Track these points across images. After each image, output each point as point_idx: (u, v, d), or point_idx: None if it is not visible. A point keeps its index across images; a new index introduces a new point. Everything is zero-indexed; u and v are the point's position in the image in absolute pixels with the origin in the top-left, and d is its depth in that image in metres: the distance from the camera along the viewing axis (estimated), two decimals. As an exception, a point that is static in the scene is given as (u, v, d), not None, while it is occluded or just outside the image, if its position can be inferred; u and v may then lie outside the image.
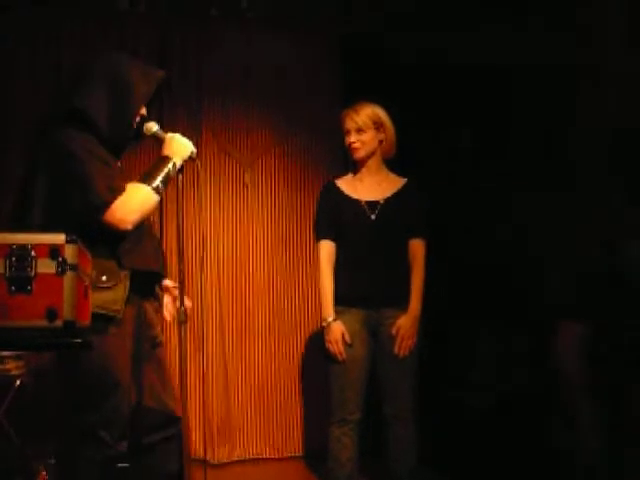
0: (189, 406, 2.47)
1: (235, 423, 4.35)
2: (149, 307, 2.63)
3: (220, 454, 4.28)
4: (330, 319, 3.17)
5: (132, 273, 2.47)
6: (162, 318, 2.76)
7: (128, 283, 2.46)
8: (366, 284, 3.16)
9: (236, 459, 4.32)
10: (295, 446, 4.39)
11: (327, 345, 3.17)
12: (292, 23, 4.54)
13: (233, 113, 4.48)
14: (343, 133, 3.30)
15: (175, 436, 2.51)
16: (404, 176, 3.33)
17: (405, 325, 3.14)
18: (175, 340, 2.88)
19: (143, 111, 2.63)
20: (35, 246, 1.93)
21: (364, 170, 3.30)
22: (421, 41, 4.17)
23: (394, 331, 3.14)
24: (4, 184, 4.07)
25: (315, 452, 4.18)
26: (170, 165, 2.54)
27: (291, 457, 4.37)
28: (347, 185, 3.31)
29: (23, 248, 1.92)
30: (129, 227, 2.43)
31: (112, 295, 2.42)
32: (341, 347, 3.13)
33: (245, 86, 4.48)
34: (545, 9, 3.57)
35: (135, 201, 2.44)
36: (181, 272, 2.54)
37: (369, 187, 3.28)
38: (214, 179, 4.42)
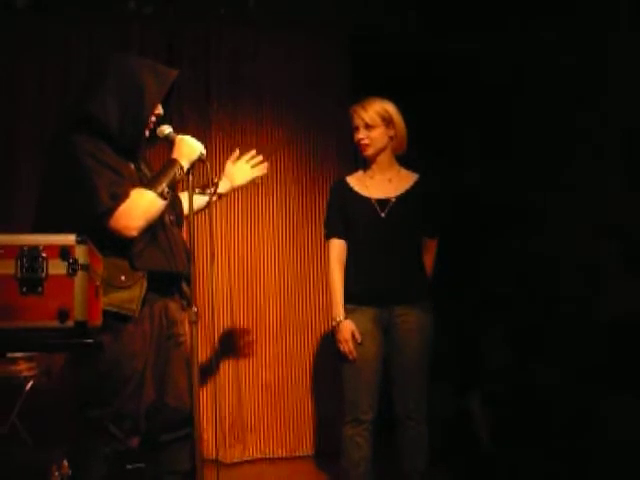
0: (201, 406, 2.47)
1: (247, 423, 4.35)
2: (172, 305, 2.64)
3: (232, 454, 4.28)
4: (340, 318, 3.14)
5: (150, 272, 2.48)
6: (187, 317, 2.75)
7: (145, 282, 2.47)
8: (377, 282, 3.15)
9: (248, 458, 4.32)
10: (307, 445, 4.39)
11: (338, 345, 3.16)
12: (301, 22, 4.53)
13: (242, 112, 4.47)
14: (352, 129, 3.28)
15: (189, 436, 2.51)
16: (415, 171, 3.31)
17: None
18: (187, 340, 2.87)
19: (159, 111, 2.63)
20: (46, 247, 1.93)
21: (374, 167, 3.27)
22: (430, 41, 4.17)
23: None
24: (12, 184, 4.09)
25: (327, 451, 4.17)
26: (177, 168, 2.55)
27: (303, 456, 4.36)
28: (357, 182, 3.28)
29: (34, 249, 1.92)
30: (134, 233, 2.44)
31: (129, 294, 2.43)
32: (351, 346, 3.10)
33: (254, 85, 4.48)
34: (544, 10, 3.57)
35: (139, 207, 2.45)
36: (192, 272, 2.54)
37: (380, 184, 3.25)
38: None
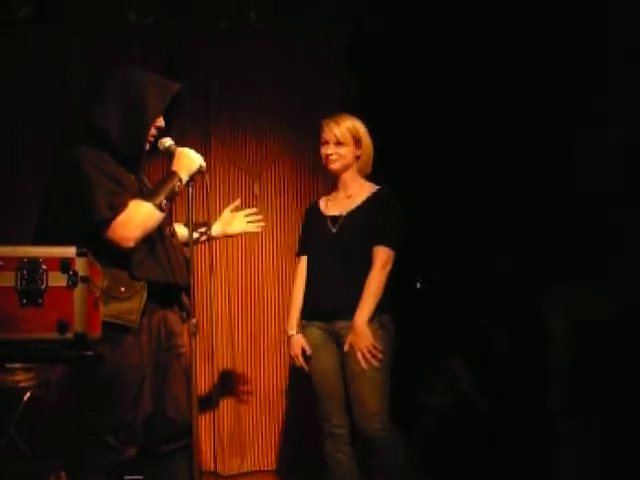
0: (200, 417, 2.47)
1: (245, 435, 4.33)
2: (171, 316, 2.64)
3: (230, 466, 4.26)
4: (291, 333, 3.21)
5: (149, 284, 2.49)
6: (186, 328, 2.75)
7: (145, 294, 2.47)
8: (323, 298, 3.15)
9: (246, 471, 4.29)
10: (306, 458, 4.35)
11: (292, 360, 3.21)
12: (301, 34, 4.54)
13: (242, 123, 4.48)
14: (320, 143, 3.27)
15: (188, 447, 2.51)
16: (387, 182, 3.29)
17: (354, 341, 3.05)
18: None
19: (160, 123, 2.64)
20: (46, 259, 1.94)
21: (339, 184, 3.30)
22: (432, 47, 4.19)
23: (346, 349, 3.07)
24: (12, 194, 4.10)
25: (327, 464, 4.14)
26: (176, 181, 2.56)
27: (302, 468, 4.33)
28: (324, 202, 3.34)
29: (34, 261, 1.93)
30: (131, 244, 2.45)
31: (128, 305, 2.44)
32: (302, 361, 3.16)
33: (254, 96, 4.48)
34: (546, 10, 3.60)
35: (137, 219, 2.46)
36: (191, 284, 2.55)
37: (340, 202, 3.27)
38: (223, 190, 4.41)
